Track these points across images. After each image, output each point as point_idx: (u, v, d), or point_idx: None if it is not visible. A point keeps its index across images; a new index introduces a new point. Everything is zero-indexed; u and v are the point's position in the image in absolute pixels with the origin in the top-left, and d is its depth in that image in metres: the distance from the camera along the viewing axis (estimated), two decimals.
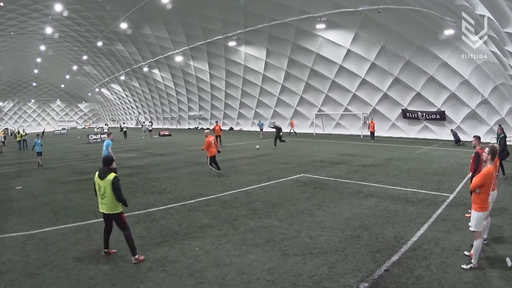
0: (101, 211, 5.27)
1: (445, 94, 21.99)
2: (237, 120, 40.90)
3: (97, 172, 5.24)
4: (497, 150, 4.84)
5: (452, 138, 21.09)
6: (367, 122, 27.48)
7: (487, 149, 4.76)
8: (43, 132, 51.97)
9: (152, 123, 48.78)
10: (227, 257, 5.18)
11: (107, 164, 5.28)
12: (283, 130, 24.10)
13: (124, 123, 49.13)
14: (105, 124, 61.14)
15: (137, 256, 5.12)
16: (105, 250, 5.44)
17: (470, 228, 4.68)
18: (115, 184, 5.06)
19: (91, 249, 5.62)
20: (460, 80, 20.57)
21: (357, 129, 28.20)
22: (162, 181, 11.18)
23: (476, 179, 4.64)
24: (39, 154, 15.79)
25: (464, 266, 4.61)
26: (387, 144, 21.20)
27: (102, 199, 5.15)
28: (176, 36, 33.25)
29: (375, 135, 24.13)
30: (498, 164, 6.04)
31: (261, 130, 29.64)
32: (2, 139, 33.60)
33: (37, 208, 8.41)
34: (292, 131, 31.49)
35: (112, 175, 5.10)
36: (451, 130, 21.78)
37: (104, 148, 11.88)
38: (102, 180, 5.11)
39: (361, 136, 26.81)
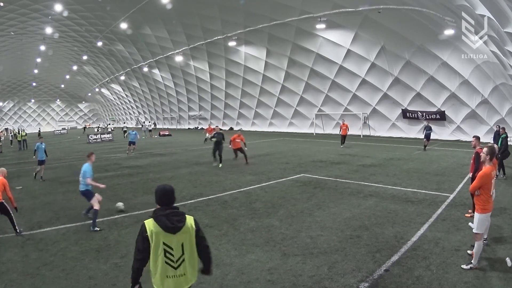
0: None
1: (445, 94, 22.00)
2: (237, 120, 40.92)
3: (153, 221, 2.72)
4: (496, 150, 4.83)
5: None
6: (367, 122, 27.48)
7: (485, 149, 4.73)
8: (39, 133, 38.43)
9: (156, 124, 48.51)
10: (227, 257, 5.18)
11: (171, 201, 2.81)
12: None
13: (124, 123, 49.07)
14: (107, 125, 60.43)
15: None
16: None
17: (473, 230, 4.65)
18: (201, 232, 2.85)
19: (91, 249, 5.62)
20: (460, 80, 20.58)
21: (357, 129, 28.19)
22: (162, 181, 11.16)
23: (474, 181, 4.65)
24: (42, 162, 12.23)
25: (464, 266, 4.60)
26: (387, 144, 21.19)
27: (176, 268, 2.72)
28: (176, 36, 33.27)
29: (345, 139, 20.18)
30: (496, 164, 6.03)
31: (133, 143, 19.91)
32: (10, 138, 33.78)
33: (37, 208, 8.41)
34: (208, 137, 23.33)
35: (191, 219, 2.81)
36: (426, 125, 18.10)
37: None
38: (175, 234, 2.69)
39: (361, 136, 26.81)
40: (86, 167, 6.95)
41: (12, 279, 4.65)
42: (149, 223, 2.74)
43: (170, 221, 2.68)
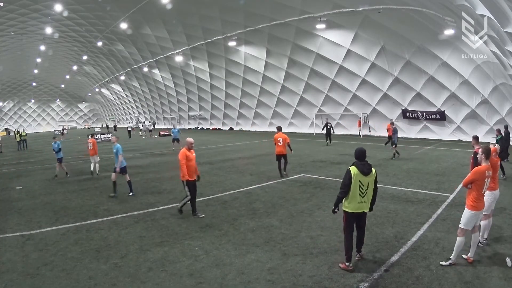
0: (360, 210, 4.70)
1: (445, 94, 21.98)
2: (237, 120, 40.92)
3: (355, 167, 4.64)
4: (491, 150, 4.86)
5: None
6: (367, 122, 27.46)
7: (480, 149, 4.84)
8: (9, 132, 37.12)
9: (155, 123, 48.47)
10: (227, 257, 5.18)
11: (364, 157, 4.75)
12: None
13: (129, 122, 49.15)
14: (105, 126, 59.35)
15: (361, 253, 4.97)
16: (360, 254, 4.97)
17: (460, 225, 4.72)
18: (376, 179, 4.77)
19: (91, 249, 5.62)
20: (460, 80, 20.56)
21: (357, 129, 28.21)
22: (162, 181, 11.17)
23: (468, 175, 4.72)
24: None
25: (442, 263, 4.67)
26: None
27: (363, 196, 4.64)
28: (176, 36, 33.25)
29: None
30: (498, 164, 6.05)
31: (177, 140, 21.28)
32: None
33: (37, 208, 8.41)
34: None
35: (374, 170, 4.73)
36: (392, 122, 16.51)
37: None
38: (366, 176, 4.62)
39: (361, 136, 26.80)
40: (118, 147, 9.29)
41: (12, 279, 4.65)
42: (353, 169, 4.63)
43: (365, 168, 4.63)
